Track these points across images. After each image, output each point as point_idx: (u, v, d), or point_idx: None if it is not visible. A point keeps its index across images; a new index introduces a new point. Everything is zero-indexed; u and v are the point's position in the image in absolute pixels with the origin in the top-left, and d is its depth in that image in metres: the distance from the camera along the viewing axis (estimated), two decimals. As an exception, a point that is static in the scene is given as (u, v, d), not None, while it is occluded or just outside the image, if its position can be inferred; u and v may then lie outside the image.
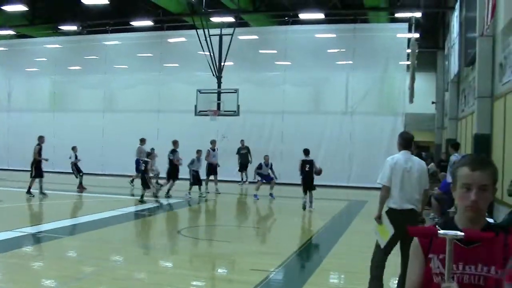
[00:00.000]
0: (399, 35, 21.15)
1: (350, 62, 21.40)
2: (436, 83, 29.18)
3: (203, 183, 16.87)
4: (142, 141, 18.18)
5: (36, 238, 9.32)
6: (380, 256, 5.82)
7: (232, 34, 19.65)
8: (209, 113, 19.11)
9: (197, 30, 19.44)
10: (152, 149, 17.17)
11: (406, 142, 5.93)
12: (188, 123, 21.22)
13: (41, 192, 15.17)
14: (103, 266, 7.40)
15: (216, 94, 19.46)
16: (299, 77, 21.84)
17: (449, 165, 12.17)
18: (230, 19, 21.27)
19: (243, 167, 20.64)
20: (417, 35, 20.64)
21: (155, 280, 6.87)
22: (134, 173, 18.12)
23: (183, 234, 10.35)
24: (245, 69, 22.09)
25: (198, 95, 19.48)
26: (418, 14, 19.97)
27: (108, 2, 20.26)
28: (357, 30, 21.71)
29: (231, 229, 11.63)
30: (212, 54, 19.62)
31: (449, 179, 10.92)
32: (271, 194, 16.10)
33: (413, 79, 18.97)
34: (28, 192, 15.01)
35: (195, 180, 16.16)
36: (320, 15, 21.27)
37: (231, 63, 20.69)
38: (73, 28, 24.64)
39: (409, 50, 20.11)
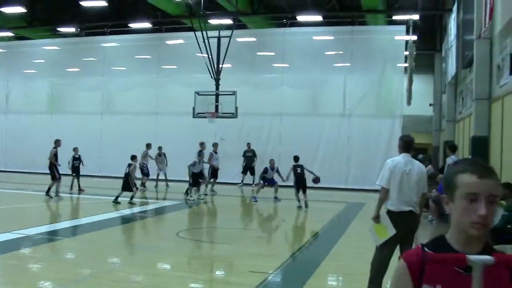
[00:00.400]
0: (396, 37, 21.18)
1: (348, 64, 21.43)
2: (434, 85, 29.27)
3: (204, 185, 16.86)
4: (148, 146, 18.82)
5: (35, 240, 9.30)
6: (379, 260, 5.82)
7: (230, 36, 19.71)
8: (207, 115, 19.12)
9: (195, 32, 19.50)
10: (160, 148, 18.85)
11: (407, 145, 5.97)
12: (186, 125, 21.24)
13: (57, 195, 15.54)
14: (102, 268, 7.40)
15: (214, 96, 19.47)
16: (297, 79, 21.86)
17: (446, 167, 12.21)
18: (228, 21, 21.28)
19: (247, 169, 20.59)
20: (414, 37, 20.67)
21: (154, 282, 6.86)
22: (140, 176, 18.18)
23: (182, 236, 10.34)
24: (243, 71, 22.09)
25: (196, 97, 19.50)
26: (416, 17, 20.04)
27: (107, 4, 20.30)
28: (355, 33, 21.74)
29: (229, 231, 11.62)
30: (210, 56, 19.63)
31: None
32: (276, 198, 15.99)
33: (410, 81, 19.04)
34: (47, 193, 15.39)
35: (195, 181, 16.16)
36: (318, 18, 21.27)
37: (229, 65, 20.72)
38: (72, 30, 24.61)
39: (406, 52, 20.13)
